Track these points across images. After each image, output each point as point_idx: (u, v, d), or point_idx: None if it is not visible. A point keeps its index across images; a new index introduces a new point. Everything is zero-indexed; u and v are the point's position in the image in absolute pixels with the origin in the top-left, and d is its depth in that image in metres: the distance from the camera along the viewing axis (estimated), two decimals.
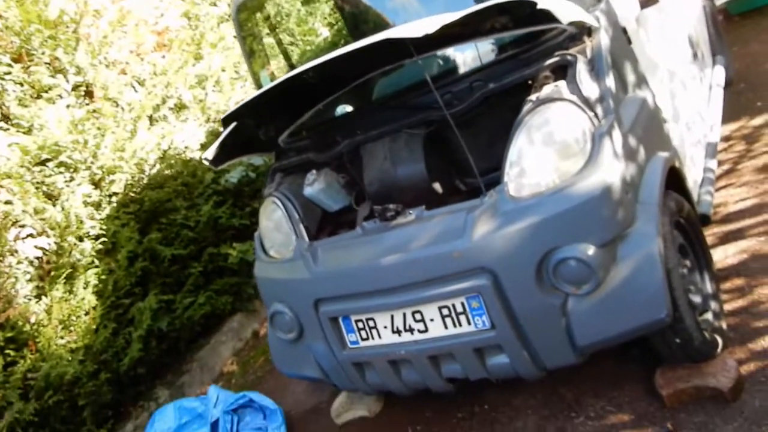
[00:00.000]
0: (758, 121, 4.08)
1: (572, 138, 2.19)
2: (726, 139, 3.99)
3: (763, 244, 2.96)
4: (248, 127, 2.94)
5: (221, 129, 2.76)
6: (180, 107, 4.81)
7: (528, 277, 2.18)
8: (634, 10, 2.68)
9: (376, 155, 2.72)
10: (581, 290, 2.16)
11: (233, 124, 2.84)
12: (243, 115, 2.68)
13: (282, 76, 2.41)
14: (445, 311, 2.37)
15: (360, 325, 2.58)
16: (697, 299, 2.51)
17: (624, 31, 2.55)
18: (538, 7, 1.99)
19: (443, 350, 2.44)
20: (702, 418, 2.28)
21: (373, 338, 2.56)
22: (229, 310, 4.69)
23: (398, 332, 2.50)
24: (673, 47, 3.26)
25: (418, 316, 2.43)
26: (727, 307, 2.71)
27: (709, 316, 2.56)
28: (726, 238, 3.14)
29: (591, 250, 2.11)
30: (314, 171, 2.90)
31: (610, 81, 2.27)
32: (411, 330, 2.46)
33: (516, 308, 2.24)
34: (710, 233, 3.22)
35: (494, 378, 2.48)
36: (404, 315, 2.45)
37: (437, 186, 2.66)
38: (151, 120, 4.54)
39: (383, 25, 3.50)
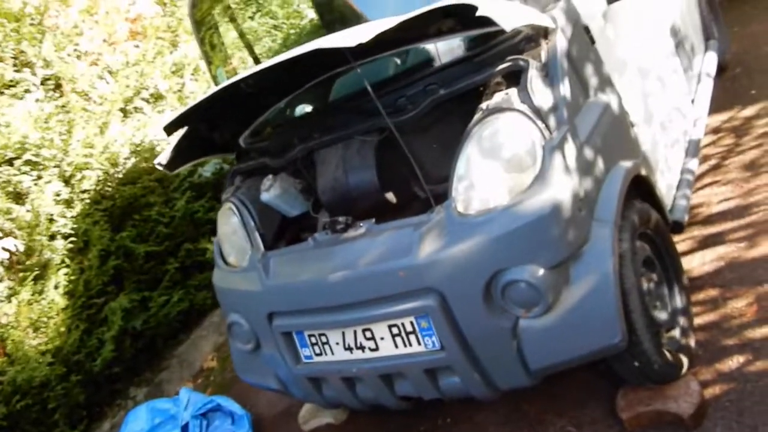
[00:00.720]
0: (750, 111, 3.88)
1: (521, 151, 2.05)
2: (714, 131, 3.82)
3: (741, 251, 2.82)
4: (203, 130, 2.83)
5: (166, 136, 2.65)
6: (156, 97, 4.69)
7: (476, 299, 2.07)
8: (599, 6, 2.50)
9: (328, 162, 2.59)
10: (531, 313, 2.05)
11: (184, 129, 2.74)
12: (188, 120, 2.56)
13: (220, 84, 2.28)
14: (395, 330, 2.27)
15: (313, 340, 2.49)
16: (663, 316, 2.39)
17: (586, 29, 2.38)
18: (477, 13, 1.84)
19: (394, 369, 2.34)
20: None
21: (326, 354, 2.48)
22: (210, 304, 4.63)
23: (350, 349, 2.40)
24: (650, 41, 3.07)
25: (368, 334, 2.33)
26: (698, 320, 2.58)
27: (676, 332, 2.44)
28: (705, 243, 3.00)
29: (540, 272, 1.99)
30: (270, 176, 2.78)
31: (565, 88, 2.12)
32: (362, 348, 2.37)
33: (465, 330, 2.14)
34: (689, 236, 3.07)
35: (447, 398, 2.39)
36: (355, 332, 2.36)
37: (390, 196, 2.54)
38: (125, 112, 4.43)
39: (352, 14, 3.35)
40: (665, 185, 2.73)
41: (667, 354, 2.26)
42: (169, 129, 2.50)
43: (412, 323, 2.22)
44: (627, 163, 2.27)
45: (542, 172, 2.01)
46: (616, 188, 2.15)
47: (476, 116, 2.14)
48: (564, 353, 2.09)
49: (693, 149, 3.15)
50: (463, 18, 2.12)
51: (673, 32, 3.39)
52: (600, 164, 2.17)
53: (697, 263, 2.89)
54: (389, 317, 2.24)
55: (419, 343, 2.24)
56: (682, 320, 2.47)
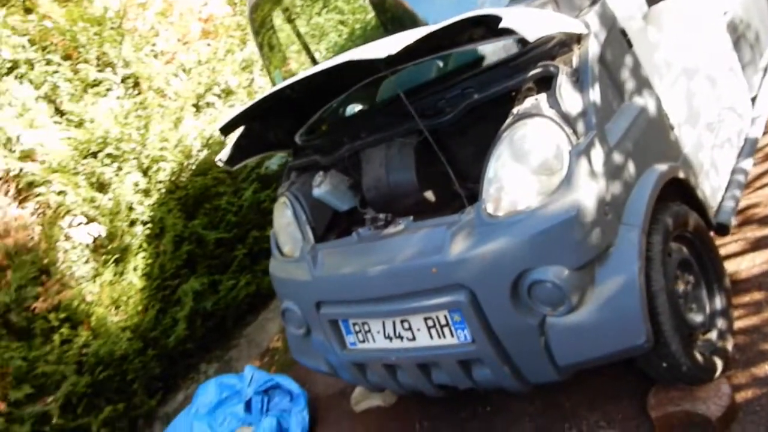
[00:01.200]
0: None
1: (549, 156, 2.12)
2: None
3: None
4: (258, 129, 3.03)
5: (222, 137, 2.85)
6: (227, 93, 4.96)
7: (503, 297, 2.16)
8: (638, 8, 2.50)
9: (372, 162, 2.73)
10: (557, 311, 2.13)
11: (241, 128, 2.94)
12: (242, 121, 2.76)
13: (266, 91, 2.46)
14: (429, 322, 2.40)
15: (357, 328, 2.65)
16: (698, 318, 2.41)
17: (623, 33, 2.40)
18: (501, 25, 1.91)
19: (430, 359, 2.47)
20: None
21: (368, 341, 2.63)
22: None
23: (390, 338, 2.55)
24: (699, 41, 3.00)
25: (406, 325, 2.47)
26: (740, 323, 2.56)
27: (713, 335, 2.45)
28: (757, 245, 2.94)
29: (564, 273, 2.06)
30: (322, 173, 2.95)
31: (595, 93, 2.16)
32: (400, 337, 2.51)
33: (494, 325, 2.24)
34: (742, 237, 3.02)
35: (481, 389, 2.50)
36: (394, 323, 2.50)
37: (429, 194, 2.65)
38: (198, 107, 4.72)
39: (406, 14, 3.46)
40: (710, 187, 2.70)
41: (699, 356, 2.28)
42: (225, 130, 2.70)
43: (445, 316, 2.34)
44: (662, 167, 2.29)
45: (568, 177, 2.07)
46: (646, 192, 2.18)
47: (507, 121, 2.22)
48: (590, 351, 2.16)
49: (749, 149, 3.08)
50: (491, 27, 2.19)
51: (732, 28, 3.29)
52: (631, 168, 2.21)
53: (746, 265, 2.85)
54: (424, 310, 2.37)
55: (452, 336, 2.36)
56: (720, 323, 2.47)
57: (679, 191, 2.47)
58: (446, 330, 2.36)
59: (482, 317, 2.23)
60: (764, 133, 3.32)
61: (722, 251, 3.01)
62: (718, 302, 2.50)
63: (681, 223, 2.36)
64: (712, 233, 2.64)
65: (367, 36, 4.57)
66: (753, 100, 3.40)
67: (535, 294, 2.13)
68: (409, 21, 3.44)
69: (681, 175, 2.40)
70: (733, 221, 2.69)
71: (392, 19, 3.76)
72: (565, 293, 2.06)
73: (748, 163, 2.99)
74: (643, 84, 2.42)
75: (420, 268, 2.31)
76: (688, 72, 2.77)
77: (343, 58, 2.10)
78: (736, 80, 3.23)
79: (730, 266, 2.89)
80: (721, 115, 2.95)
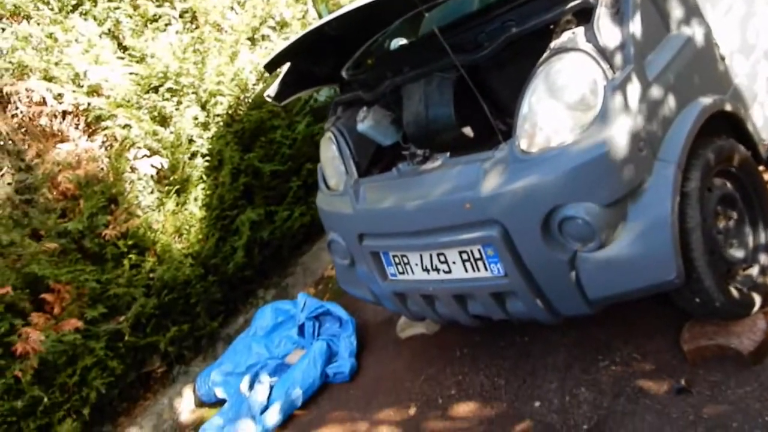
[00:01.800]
0: None
1: (584, 91, 2.09)
2: None
3: None
4: (304, 64, 3.08)
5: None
6: (282, 25, 5.00)
7: (535, 232, 2.20)
8: None
9: (412, 97, 2.75)
10: (587, 247, 2.15)
11: (287, 64, 3.00)
12: (287, 58, 2.81)
13: (307, 29, 2.49)
14: (464, 256, 2.46)
15: (396, 260, 2.74)
16: (739, 254, 2.38)
17: None
18: None
19: (465, 291, 2.55)
20: (718, 377, 2.23)
21: (407, 273, 2.73)
22: None
23: (427, 270, 2.63)
24: None
25: (442, 258, 2.55)
26: None
27: (754, 270, 2.41)
28: None
29: (595, 210, 2.07)
30: (365, 107, 2.99)
31: (635, 25, 2.09)
32: (437, 270, 2.59)
33: (526, 260, 2.29)
34: None
35: (515, 320, 2.57)
36: (431, 256, 2.58)
37: (468, 130, 2.66)
38: (253, 41, 4.80)
39: None
40: (764, 119, 2.60)
41: (735, 292, 2.27)
42: (270, 67, 2.77)
43: (479, 250, 2.40)
44: (706, 100, 2.22)
45: (602, 112, 2.05)
46: (686, 127, 2.13)
47: (544, 55, 2.19)
48: (620, 286, 2.18)
49: None
50: None
51: None
52: (671, 102, 2.15)
53: None
54: (459, 244, 2.43)
55: (486, 269, 2.42)
56: (763, 258, 2.43)
57: (727, 124, 2.39)
58: (480, 263, 2.43)
59: (514, 252, 2.28)
60: None
61: None
62: (763, 237, 2.45)
63: (725, 158, 2.30)
64: (763, 167, 2.56)
65: None
66: None
67: (565, 230, 2.15)
68: None
69: (728, 108, 2.32)
70: None
71: None
72: (594, 230, 2.08)
73: None
74: (692, 13, 2.32)
75: (454, 203, 2.37)
76: None
77: None
78: None
79: None
80: None
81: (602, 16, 2.10)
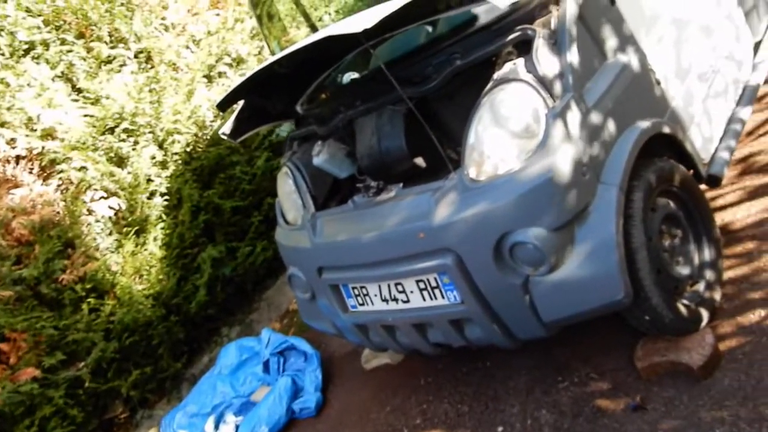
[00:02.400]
0: None
1: (527, 120, 2.16)
2: None
3: None
4: (257, 101, 3.10)
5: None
6: (238, 61, 5.04)
7: (487, 258, 2.24)
8: None
9: (364, 130, 2.79)
10: (538, 271, 2.20)
11: (241, 102, 3.03)
12: (240, 96, 2.84)
13: (256, 68, 2.53)
14: (421, 285, 2.49)
15: (356, 291, 2.76)
16: (685, 271, 2.45)
17: None
18: None
19: (424, 319, 2.57)
20: (671, 393, 2.28)
21: (367, 304, 2.74)
22: None
23: (386, 300, 2.65)
24: None
25: (400, 288, 2.57)
26: (730, 274, 2.60)
27: (701, 286, 2.49)
28: (755, 193, 2.94)
29: (543, 234, 2.12)
30: (320, 141, 3.03)
31: (572, 55, 2.18)
32: (396, 300, 2.61)
33: (481, 286, 2.32)
34: (740, 187, 3.02)
35: (474, 346, 2.59)
36: (389, 286, 2.60)
37: (420, 161, 2.71)
38: (210, 78, 4.82)
39: None
40: (702, 139, 2.70)
41: (683, 308, 2.33)
42: (222, 106, 2.79)
43: (435, 279, 2.43)
44: (644, 124, 2.31)
45: (544, 140, 2.11)
46: (625, 150, 2.20)
47: (488, 86, 2.26)
48: (572, 307, 2.23)
49: (748, 97, 3.04)
50: None
51: None
52: (611, 127, 2.23)
53: (742, 215, 2.86)
54: (416, 273, 2.46)
55: (443, 297, 2.45)
56: (708, 274, 2.51)
57: (667, 146, 2.49)
58: (437, 292, 2.46)
59: (469, 279, 2.31)
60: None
61: (720, 201, 3.03)
62: (707, 254, 2.53)
63: (666, 178, 2.38)
64: (704, 185, 2.65)
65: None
66: (758, 45, 3.33)
67: (516, 255, 2.20)
68: None
69: (666, 130, 2.41)
70: (726, 172, 2.68)
71: None
72: (544, 254, 2.13)
73: (746, 112, 2.95)
74: (627, 40, 2.42)
75: (408, 234, 2.40)
76: (678, 23, 2.74)
77: (321, 35, 2.16)
78: (734, 27, 3.16)
79: (725, 216, 2.92)
80: (716, 65, 2.91)
81: (540, 47, 2.18)
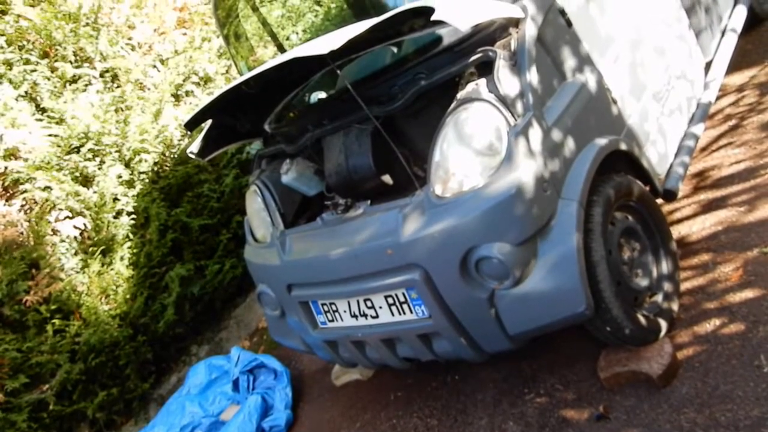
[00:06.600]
0: None
1: (489, 138, 2.23)
2: (739, 89, 3.76)
3: (740, 215, 2.87)
4: (225, 120, 3.13)
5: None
6: (206, 80, 5.05)
7: (454, 273, 2.29)
8: None
9: (332, 148, 2.83)
10: (503, 285, 2.25)
11: (209, 121, 3.04)
12: (207, 115, 2.86)
13: (222, 88, 2.55)
14: (390, 300, 2.53)
15: (325, 308, 2.78)
16: (643, 283, 2.54)
17: (562, 12, 2.48)
18: (433, 17, 2.01)
19: (393, 334, 2.61)
20: (632, 402, 2.35)
21: (336, 320, 2.77)
22: None
23: (355, 316, 2.68)
24: (646, 11, 3.05)
25: (369, 304, 2.60)
26: (687, 285, 2.69)
27: (659, 297, 2.57)
28: (709, 207, 3.05)
29: (506, 249, 2.18)
30: (288, 160, 3.07)
31: (532, 75, 2.26)
32: (365, 315, 2.64)
33: (448, 300, 2.37)
34: (695, 201, 3.14)
35: (442, 360, 2.64)
36: (358, 302, 2.63)
37: (387, 178, 2.76)
38: (177, 97, 4.82)
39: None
40: (657, 155, 2.81)
41: (642, 319, 2.41)
42: (190, 126, 2.81)
43: (403, 294, 2.47)
44: (602, 141, 2.39)
45: (507, 157, 2.18)
46: (584, 167, 2.29)
47: (451, 106, 2.33)
48: (536, 320, 2.29)
49: (701, 114, 3.16)
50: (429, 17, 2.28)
51: None
52: (570, 144, 2.31)
53: (697, 228, 2.97)
54: (384, 289, 2.50)
55: (411, 312, 2.49)
56: (666, 285, 2.60)
57: (625, 162, 2.58)
58: (405, 306, 2.50)
59: (436, 293, 2.36)
60: (721, 97, 3.40)
61: (676, 214, 3.14)
62: (665, 266, 2.62)
63: (624, 193, 2.47)
64: (660, 200, 2.75)
65: (343, 16, 4.63)
66: (709, 64, 3.47)
67: (482, 269, 2.25)
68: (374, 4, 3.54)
69: (623, 147, 2.50)
70: (681, 187, 2.79)
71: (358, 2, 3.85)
72: (508, 268, 2.19)
73: (699, 129, 3.07)
74: (584, 61, 2.52)
75: (376, 250, 2.44)
76: (633, 44, 2.85)
77: (287, 56, 2.20)
78: (686, 48, 3.30)
79: (682, 229, 3.02)
80: (669, 84, 3.03)
81: (501, 68, 2.25)
